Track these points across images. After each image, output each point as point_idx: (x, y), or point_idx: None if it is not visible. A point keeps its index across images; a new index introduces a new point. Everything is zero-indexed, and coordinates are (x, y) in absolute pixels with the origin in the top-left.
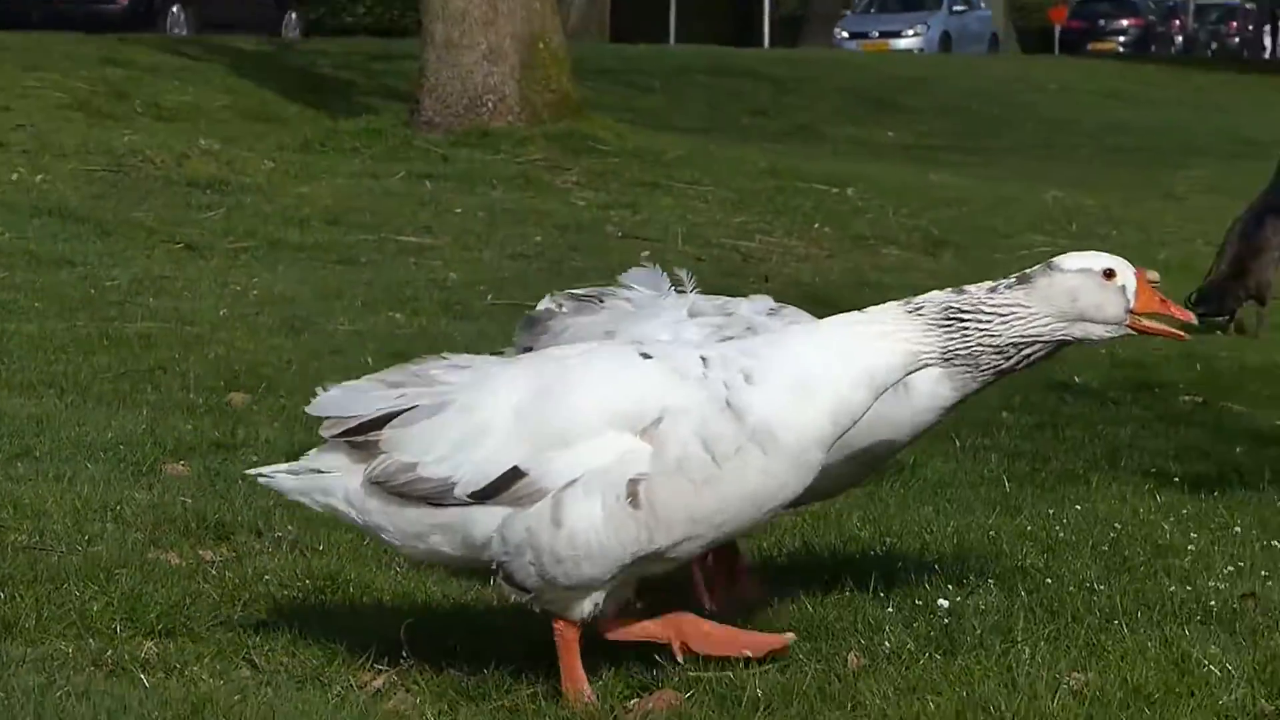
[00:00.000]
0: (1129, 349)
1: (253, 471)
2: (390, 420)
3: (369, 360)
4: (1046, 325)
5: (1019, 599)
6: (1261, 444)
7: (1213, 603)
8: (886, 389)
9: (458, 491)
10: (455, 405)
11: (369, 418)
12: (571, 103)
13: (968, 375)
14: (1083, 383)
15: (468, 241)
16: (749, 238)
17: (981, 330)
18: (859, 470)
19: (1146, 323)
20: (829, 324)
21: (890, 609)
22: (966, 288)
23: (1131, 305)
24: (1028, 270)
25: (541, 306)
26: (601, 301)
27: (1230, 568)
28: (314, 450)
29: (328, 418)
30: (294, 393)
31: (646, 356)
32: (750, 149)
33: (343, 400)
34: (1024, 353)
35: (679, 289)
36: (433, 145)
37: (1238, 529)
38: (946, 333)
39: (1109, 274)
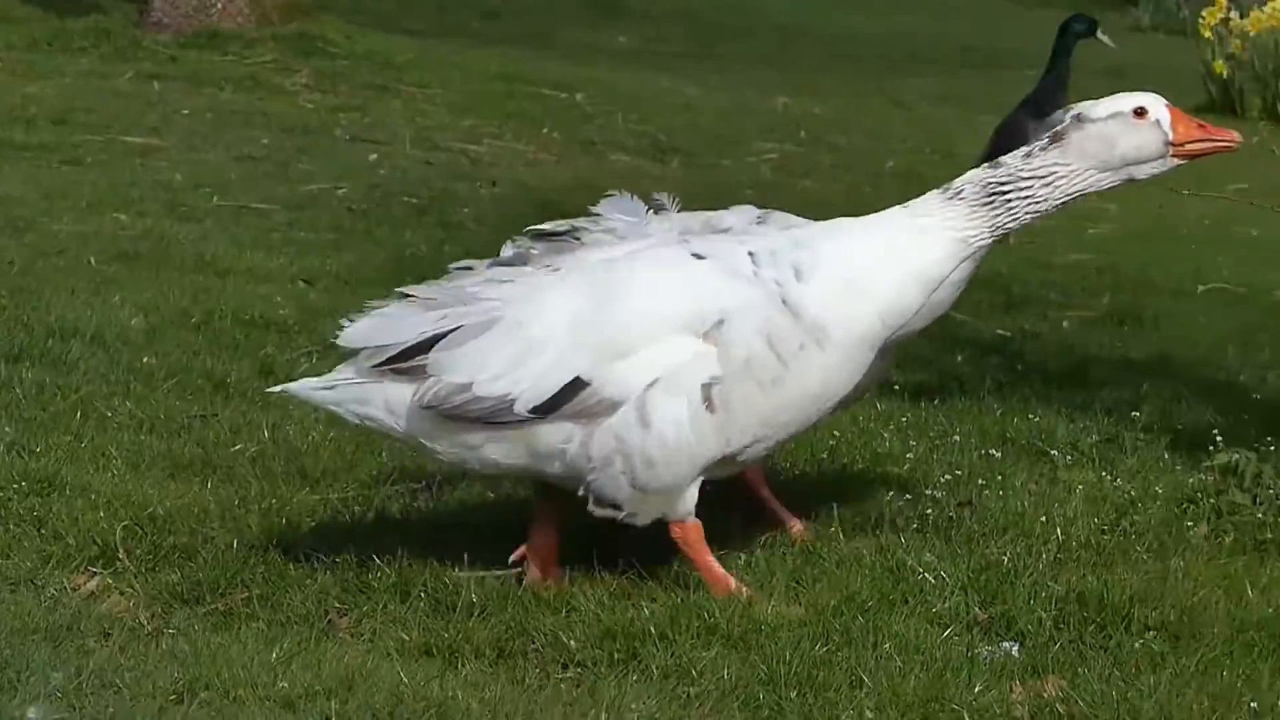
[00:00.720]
0: None
1: (278, 388)
2: (436, 344)
3: (92, 261)
4: (1091, 177)
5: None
6: (983, 352)
7: (930, 511)
8: (940, 283)
9: (518, 408)
10: (504, 321)
11: (412, 343)
12: (302, 4)
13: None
14: None
15: (194, 143)
16: (477, 141)
17: (1026, 198)
18: (889, 361)
19: (1191, 147)
20: (875, 220)
21: None
22: (1001, 159)
23: (1170, 137)
24: (1058, 127)
25: (507, 253)
26: (579, 239)
27: (948, 476)
28: (345, 363)
29: (365, 348)
30: (16, 293)
31: (699, 257)
32: (480, 53)
33: (379, 328)
34: (1070, 205)
35: (660, 210)
36: (161, 46)
37: (956, 437)
38: (991, 210)
39: (1140, 112)
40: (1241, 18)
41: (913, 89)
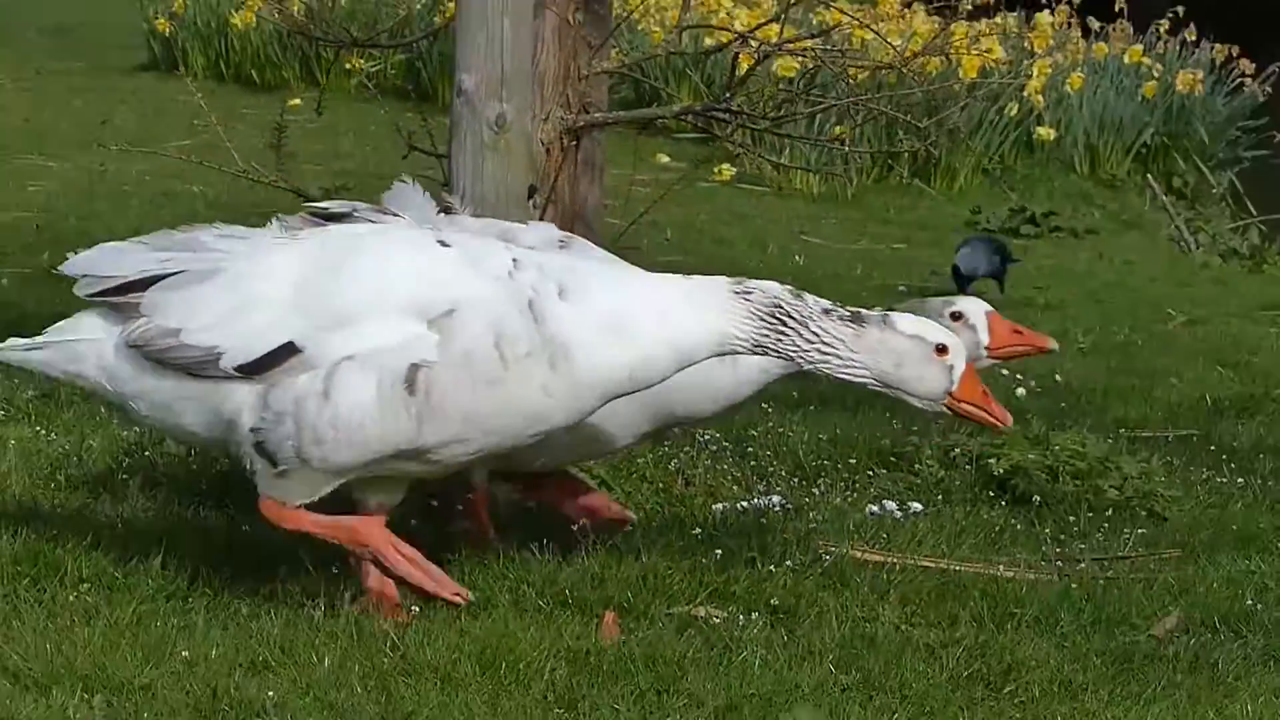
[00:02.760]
0: None
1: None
2: (155, 284)
3: None
4: (861, 375)
5: None
6: None
7: None
8: (691, 364)
9: (224, 363)
10: (228, 273)
11: (131, 279)
12: None
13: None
14: None
15: None
16: None
17: (797, 346)
18: (655, 428)
19: (965, 406)
20: (660, 280)
21: None
22: (805, 295)
23: (953, 388)
24: (864, 311)
25: (272, 227)
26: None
27: None
28: (61, 323)
29: (84, 276)
30: None
31: (444, 245)
32: None
33: (101, 260)
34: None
35: (449, 210)
36: None
37: None
38: (765, 326)
39: (941, 350)
40: None
41: None
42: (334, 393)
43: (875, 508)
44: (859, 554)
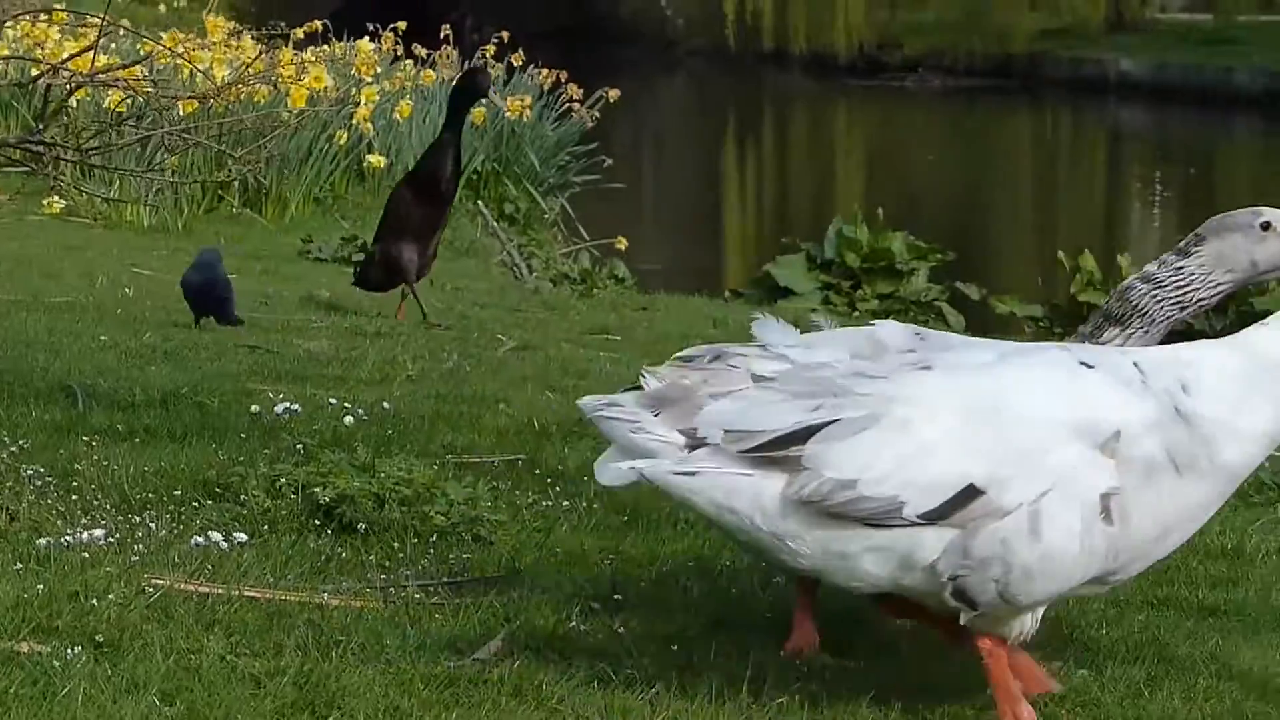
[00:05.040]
0: None
1: (631, 464)
2: (812, 435)
3: None
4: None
5: None
6: None
7: None
8: None
9: (906, 512)
10: (888, 419)
11: (785, 431)
12: None
13: None
14: None
15: None
16: None
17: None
18: None
19: None
20: (1243, 336)
21: None
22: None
23: None
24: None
25: (652, 384)
26: (734, 366)
27: None
28: (693, 450)
29: (729, 431)
30: None
31: (1088, 366)
32: None
33: (744, 412)
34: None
35: (818, 328)
36: None
37: None
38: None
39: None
40: None
41: None
42: (1043, 531)
43: (201, 539)
44: (184, 586)
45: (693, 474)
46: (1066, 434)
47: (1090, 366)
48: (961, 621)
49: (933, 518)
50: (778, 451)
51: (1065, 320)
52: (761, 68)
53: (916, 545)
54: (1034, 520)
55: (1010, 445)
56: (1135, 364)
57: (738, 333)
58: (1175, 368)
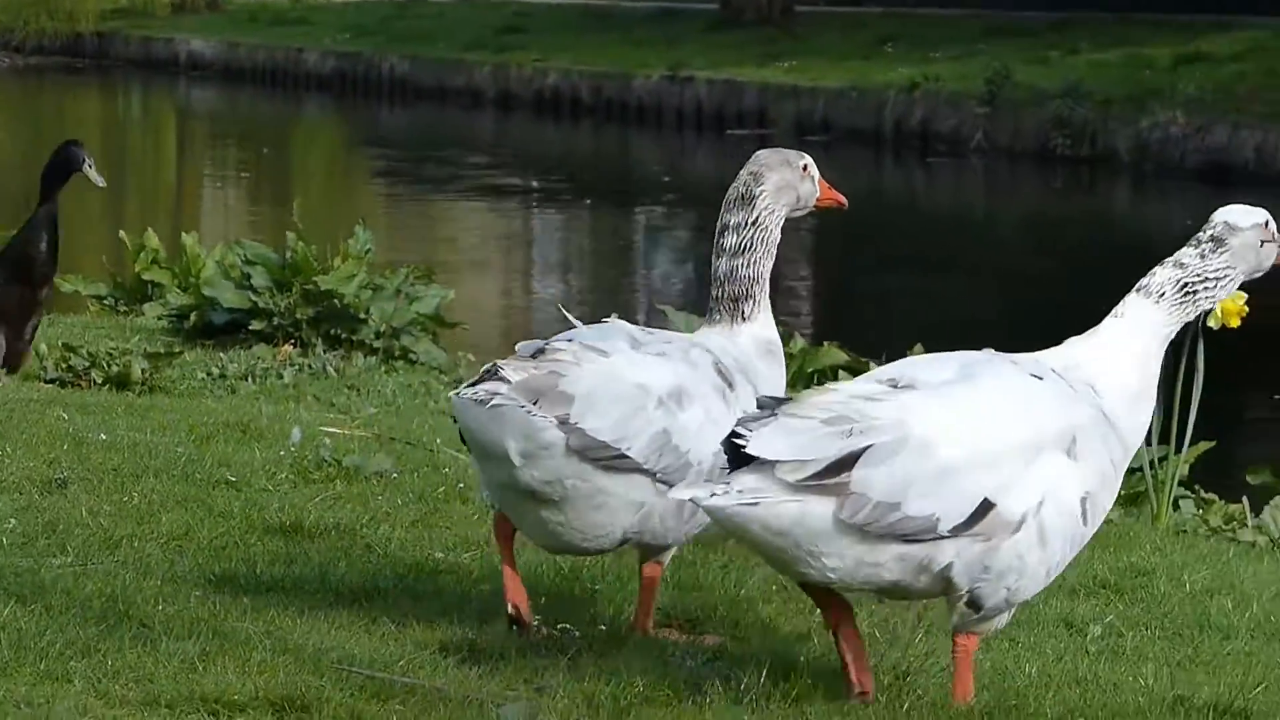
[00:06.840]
0: None
1: (685, 493)
2: (855, 461)
3: None
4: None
5: None
6: None
7: None
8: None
9: (941, 528)
10: (913, 441)
11: (834, 459)
12: None
13: None
14: None
15: None
16: None
17: (1207, 297)
18: None
19: None
20: (1106, 331)
21: None
22: (1182, 260)
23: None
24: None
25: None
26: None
27: None
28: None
29: (783, 462)
30: None
31: (1037, 377)
32: None
33: (791, 442)
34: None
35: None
36: None
37: None
38: (1183, 309)
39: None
40: None
41: None
42: (1048, 538)
43: None
44: None
45: (754, 504)
46: (1046, 443)
47: (1039, 378)
48: (953, 622)
49: (959, 531)
50: (829, 479)
51: (130, 299)
52: None
53: (936, 554)
54: (1041, 531)
55: (1008, 459)
56: (1053, 370)
57: None
58: (1076, 371)
